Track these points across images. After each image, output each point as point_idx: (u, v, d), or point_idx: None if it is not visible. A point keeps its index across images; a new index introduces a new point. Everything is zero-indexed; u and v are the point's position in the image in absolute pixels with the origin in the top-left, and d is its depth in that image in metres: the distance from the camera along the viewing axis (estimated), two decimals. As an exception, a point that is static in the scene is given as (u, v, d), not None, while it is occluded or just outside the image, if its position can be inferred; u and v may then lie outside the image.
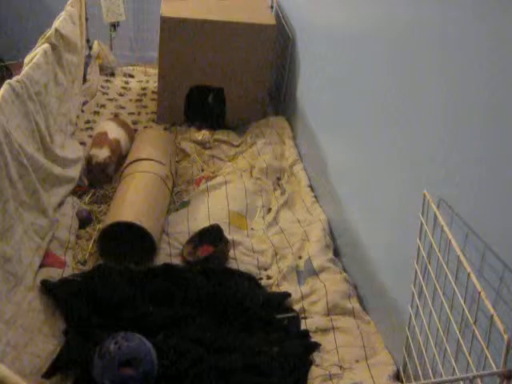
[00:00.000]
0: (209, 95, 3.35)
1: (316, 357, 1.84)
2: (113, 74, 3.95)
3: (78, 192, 2.60)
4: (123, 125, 2.99)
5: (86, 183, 2.67)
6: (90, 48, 3.80)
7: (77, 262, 2.20)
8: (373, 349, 1.86)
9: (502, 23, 1.22)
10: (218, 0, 3.40)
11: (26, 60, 2.35)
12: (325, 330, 1.94)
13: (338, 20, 2.50)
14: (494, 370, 1.12)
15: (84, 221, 2.42)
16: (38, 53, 2.37)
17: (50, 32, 2.54)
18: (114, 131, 2.87)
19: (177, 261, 2.26)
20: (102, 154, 2.69)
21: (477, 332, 1.20)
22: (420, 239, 1.52)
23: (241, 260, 2.29)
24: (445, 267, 1.38)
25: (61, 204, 2.40)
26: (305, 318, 2.01)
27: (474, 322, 1.21)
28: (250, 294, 2.05)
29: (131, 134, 3.00)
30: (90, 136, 3.07)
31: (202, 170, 2.93)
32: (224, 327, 1.95)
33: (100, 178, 2.69)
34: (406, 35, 1.74)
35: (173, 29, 3.08)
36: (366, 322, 1.97)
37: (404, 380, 1.69)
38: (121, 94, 3.70)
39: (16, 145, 1.97)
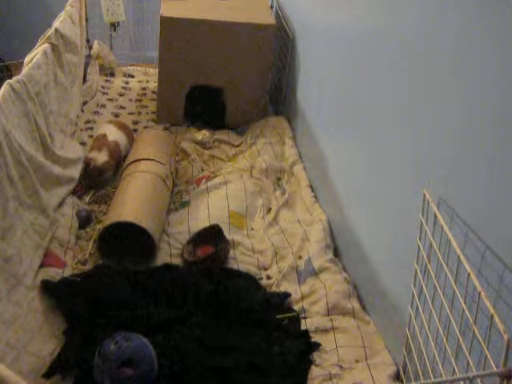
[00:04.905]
0: (211, 95, 3.34)
1: (316, 357, 1.84)
2: (113, 74, 3.96)
3: (77, 192, 2.60)
4: (123, 127, 2.99)
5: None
6: (90, 48, 3.81)
7: (77, 262, 2.20)
8: (373, 349, 1.86)
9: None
10: (218, 0, 3.40)
11: (26, 60, 2.35)
12: (325, 330, 1.94)
13: (338, 20, 2.50)
14: (494, 369, 1.12)
15: (84, 221, 2.42)
16: (38, 53, 2.37)
17: (50, 32, 2.54)
18: (114, 133, 2.87)
19: (177, 261, 2.26)
20: (101, 158, 2.69)
21: (477, 332, 1.20)
22: (420, 239, 1.52)
23: (241, 260, 2.29)
24: (445, 267, 1.38)
25: (61, 204, 2.40)
26: (305, 317, 2.01)
27: (474, 322, 1.21)
28: (249, 294, 2.05)
29: (131, 136, 3.00)
30: (90, 136, 3.07)
31: (202, 170, 2.93)
32: (224, 327, 1.95)
33: (96, 181, 2.68)
34: (409, 36, 1.74)
35: (173, 29, 3.08)
36: (366, 322, 1.97)
37: (404, 380, 1.69)
38: (121, 94, 3.70)
39: (16, 145, 1.97)
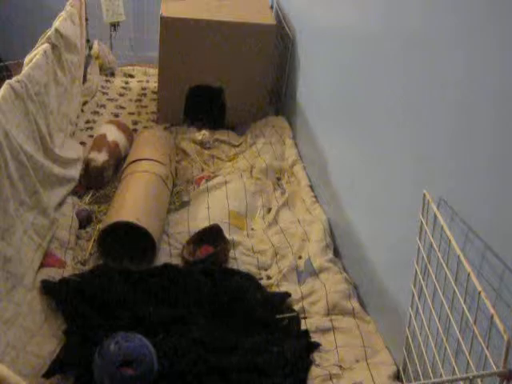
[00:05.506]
0: (211, 95, 3.34)
1: (316, 357, 1.84)
2: (113, 74, 3.96)
3: (78, 192, 2.60)
4: (123, 127, 2.99)
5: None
6: (90, 48, 3.81)
7: (77, 262, 2.20)
8: (373, 349, 1.86)
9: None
10: (218, 0, 3.40)
11: (26, 60, 2.35)
12: (325, 330, 1.94)
13: (338, 20, 2.50)
14: (494, 370, 1.12)
15: (84, 221, 2.42)
16: (38, 53, 2.37)
17: (49, 32, 2.54)
18: (113, 134, 2.87)
19: (177, 261, 2.26)
20: (101, 157, 2.69)
21: (477, 332, 1.20)
22: (420, 239, 1.52)
23: (241, 260, 2.29)
24: (445, 267, 1.38)
25: (61, 204, 2.40)
26: (305, 318, 2.01)
27: (474, 322, 1.21)
28: (249, 294, 2.05)
29: (130, 136, 3.00)
30: (90, 136, 3.07)
31: (202, 170, 2.93)
32: (224, 327, 1.95)
33: (97, 181, 2.68)
34: (409, 35, 1.74)
35: (173, 29, 3.08)
36: (366, 322, 1.97)
37: (404, 380, 1.69)
38: (121, 94, 3.70)
39: (16, 145, 1.97)
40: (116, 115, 3.43)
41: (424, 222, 1.49)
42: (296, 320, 1.99)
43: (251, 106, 3.33)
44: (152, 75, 3.95)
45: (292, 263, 2.24)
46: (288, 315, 2.01)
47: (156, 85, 3.45)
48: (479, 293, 1.17)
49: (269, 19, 3.21)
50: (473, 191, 1.35)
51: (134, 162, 2.63)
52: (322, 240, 2.31)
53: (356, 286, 2.13)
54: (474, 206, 1.34)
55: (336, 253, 2.32)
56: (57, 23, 2.64)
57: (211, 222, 2.42)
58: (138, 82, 3.92)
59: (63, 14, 2.80)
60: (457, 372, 1.30)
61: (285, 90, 3.37)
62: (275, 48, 3.31)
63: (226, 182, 2.72)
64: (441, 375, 1.40)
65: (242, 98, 3.29)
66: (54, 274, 2.05)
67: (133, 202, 2.33)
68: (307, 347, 1.86)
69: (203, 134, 3.14)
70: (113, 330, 1.75)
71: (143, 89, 3.81)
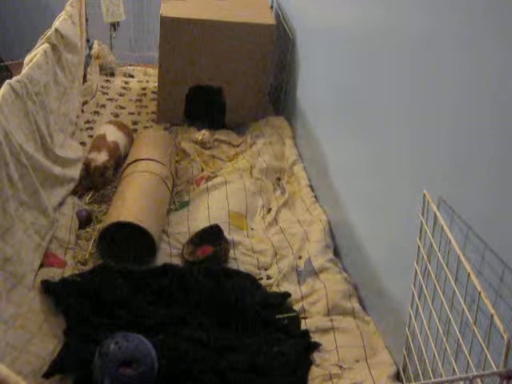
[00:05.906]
0: (211, 95, 3.35)
1: (316, 357, 1.84)
2: (113, 74, 3.96)
3: (77, 192, 2.60)
4: (122, 127, 2.99)
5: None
6: (90, 48, 3.81)
7: (77, 262, 2.20)
8: (373, 349, 1.86)
9: None
10: (218, 0, 3.40)
11: (26, 60, 2.35)
12: (325, 330, 1.94)
13: (338, 20, 2.50)
14: (494, 369, 1.12)
15: (84, 221, 2.42)
16: (38, 53, 2.37)
17: (50, 32, 2.54)
18: (113, 134, 2.87)
19: (177, 261, 2.26)
20: (101, 157, 2.69)
21: (477, 332, 1.20)
22: (420, 239, 1.52)
23: (241, 260, 2.29)
24: (445, 267, 1.38)
25: (61, 204, 2.40)
26: (305, 318, 2.01)
27: (474, 322, 1.21)
28: (249, 294, 2.05)
29: (130, 136, 3.00)
30: (90, 136, 3.07)
31: (202, 170, 2.93)
32: (224, 327, 1.95)
33: (99, 181, 2.68)
34: (409, 35, 1.74)
35: (173, 29, 3.08)
36: (366, 322, 1.97)
37: (404, 380, 1.69)
38: (121, 94, 3.70)
39: (16, 145, 1.97)
40: (116, 115, 3.43)
41: (424, 222, 1.49)
42: (296, 320, 1.99)
43: (251, 106, 3.33)
44: (152, 75, 3.95)
45: (292, 263, 2.24)
46: (288, 315, 2.01)
47: (156, 85, 3.45)
48: (479, 293, 1.17)
49: (269, 19, 3.21)
50: (473, 191, 1.35)
51: (133, 162, 2.63)
52: (322, 240, 2.31)
53: (356, 286, 2.13)
54: (474, 206, 1.34)
55: (336, 253, 2.32)
56: (57, 23, 2.64)
57: (211, 222, 2.42)
58: (138, 82, 3.92)
59: (63, 13, 2.80)
60: (457, 372, 1.30)
61: (285, 90, 3.37)
62: (275, 48, 3.31)
63: (226, 182, 2.72)
64: (441, 375, 1.40)
65: (242, 97, 3.29)
66: (53, 274, 2.05)
67: (133, 201, 2.33)
68: (307, 347, 1.86)
69: (203, 134, 3.14)
70: (113, 330, 1.75)
71: (143, 89, 3.81)
